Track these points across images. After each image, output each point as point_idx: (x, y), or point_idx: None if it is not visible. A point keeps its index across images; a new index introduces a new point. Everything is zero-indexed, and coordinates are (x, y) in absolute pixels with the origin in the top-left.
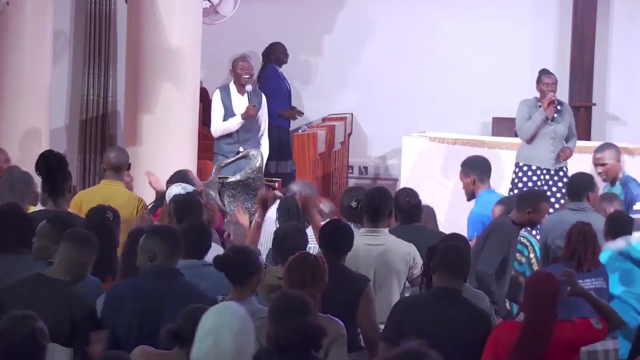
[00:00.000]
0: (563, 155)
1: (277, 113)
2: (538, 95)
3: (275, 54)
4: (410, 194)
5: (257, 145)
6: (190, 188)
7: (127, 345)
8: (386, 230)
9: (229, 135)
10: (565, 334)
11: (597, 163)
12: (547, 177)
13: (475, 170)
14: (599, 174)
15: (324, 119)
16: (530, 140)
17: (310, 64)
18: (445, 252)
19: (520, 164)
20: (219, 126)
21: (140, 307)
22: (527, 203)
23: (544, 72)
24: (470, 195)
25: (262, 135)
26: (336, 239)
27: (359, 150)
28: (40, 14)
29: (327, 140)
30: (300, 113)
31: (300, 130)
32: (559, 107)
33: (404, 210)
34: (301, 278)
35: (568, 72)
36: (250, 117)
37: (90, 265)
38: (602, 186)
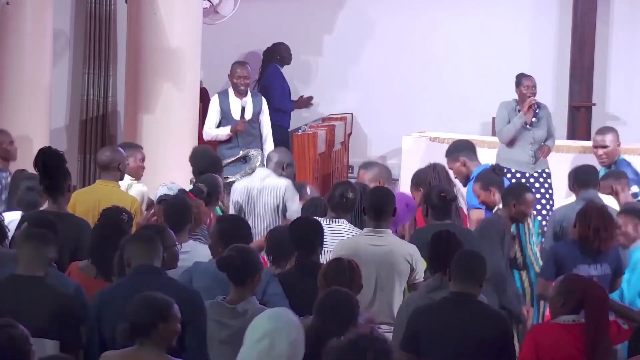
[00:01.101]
0: (542, 152)
1: (289, 109)
2: (517, 98)
3: (280, 54)
4: (445, 190)
5: (258, 148)
6: (176, 188)
7: (114, 346)
8: (389, 230)
9: (229, 140)
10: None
11: (598, 145)
12: (524, 180)
13: (462, 151)
14: (599, 156)
15: (324, 119)
16: (510, 144)
17: (310, 64)
18: (459, 259)
19: (501, 167)
20: (209, 132)
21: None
22: (510, 196)
23: (523, 76)
24: (465, 179)
25: (265, 139)
26: (309, 236)
27: (359, 150)
28: (40, 14)
29: (327, 140)
30: (310, 98)
31: (300, 130)
32: (537, 111)
33: (438, 207)
34: (338, 284)
35: (568, 72)
36: (238, 132)
37: (51, 259)
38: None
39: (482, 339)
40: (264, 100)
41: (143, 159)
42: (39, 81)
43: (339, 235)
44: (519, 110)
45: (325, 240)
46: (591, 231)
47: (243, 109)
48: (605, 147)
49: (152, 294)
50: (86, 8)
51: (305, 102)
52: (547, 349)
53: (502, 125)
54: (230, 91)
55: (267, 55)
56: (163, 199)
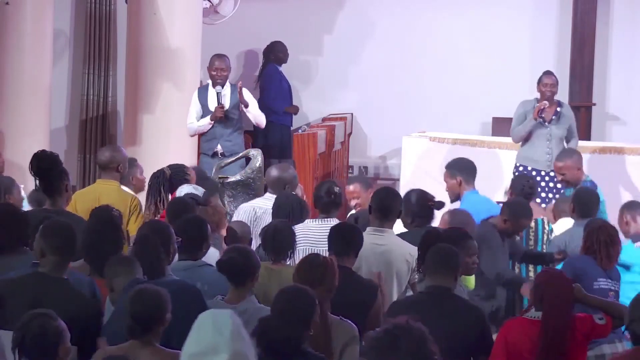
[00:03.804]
0: None
1: (280, 110)
2: (538, 95)
3: (275, 54)
4: (430, 197)
5: (239, 140)
6: (201, 190)
7: None
8: (391, 230)
9: (206, 132)
10: (574, 329)
11: (557, 172)
12: (539, 178)
13: (462, 172)
14: (560, 182)
15: (324, 119)
16: (525, 142)
17: (310, 64)
18: (432, 253)
19: (518, 165)
20: (191, 126)
21: None
22: (506, 210)
23: (545, 73)
24: (455, 197)
25: (251, 110)
26: (346, 240)
27: (359, 150)
28: (40, 14)
29: (327, 140)
30: (296, 108)
31: (300, 130)
32: (558, 109)
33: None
34: (310, 279)
35: (568, 72)
36: (217, 118)
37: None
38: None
39: (458, 332)
40: (242, 90)
41: (142, 172)
42: (39, 81)
43: None
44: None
45: (320, 239)
46: (600, 246)
47: (218, 94)
48: (563, 174)
49: (148, 287)
50: (86, 8)
51: (295, 110)
52: (513, 343)
53: (516, 125)
54: (210, 84)
55: (265, 55)
56: (192, 198)
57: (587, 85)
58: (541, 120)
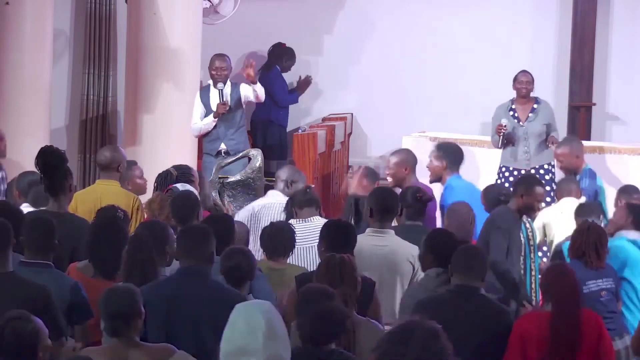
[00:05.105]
0: (549, 142)
1: (279, 113)
2: (514, 95)
3: (287, 60)
4: (421, 190)
5: (243, 139)
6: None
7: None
8: (392, 231)
9: (209, 132)
10: (596, 324)
11: (556, 159)
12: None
13: (450, 156)
14: (560, 168)
15: (324, 119)
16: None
17: (310, 64)
18: (461, 253)
19: (501, 166)
20: (195, 126)
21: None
22: (520, 186)
23: (520, 72)
24: (436, 178)
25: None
26: (340, 238)
27: (359, 150)
28: (40, 14)
29: (327, 140)
30: (307, 78)
31: (300, 130)
32: (535, 107)
33: (413, 207)
34: (329, 281)
35: (568, 72)
36: (220, 115)
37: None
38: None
39: (486, 332)
40: (242, 86)
41: (141, 174)
42: (39, 81)
43: (317, 232)
44: (513, 108)
45: (305, 238)
46: (589, 247)
47: (220, 91)
48: (560, 161)
49: (123, 285)
50: (86, 8)
51: (306, 83)
52: (526, 337)
53: (493, 132)
54: (211, 85)
55: (274, 56)
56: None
57: (587, 85)
58: (517, 120)
